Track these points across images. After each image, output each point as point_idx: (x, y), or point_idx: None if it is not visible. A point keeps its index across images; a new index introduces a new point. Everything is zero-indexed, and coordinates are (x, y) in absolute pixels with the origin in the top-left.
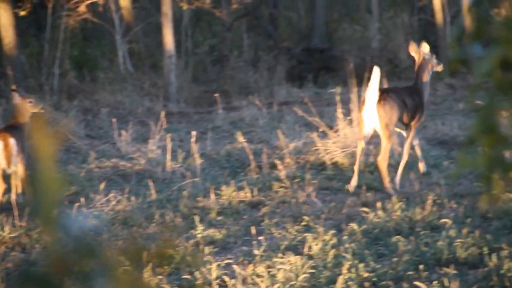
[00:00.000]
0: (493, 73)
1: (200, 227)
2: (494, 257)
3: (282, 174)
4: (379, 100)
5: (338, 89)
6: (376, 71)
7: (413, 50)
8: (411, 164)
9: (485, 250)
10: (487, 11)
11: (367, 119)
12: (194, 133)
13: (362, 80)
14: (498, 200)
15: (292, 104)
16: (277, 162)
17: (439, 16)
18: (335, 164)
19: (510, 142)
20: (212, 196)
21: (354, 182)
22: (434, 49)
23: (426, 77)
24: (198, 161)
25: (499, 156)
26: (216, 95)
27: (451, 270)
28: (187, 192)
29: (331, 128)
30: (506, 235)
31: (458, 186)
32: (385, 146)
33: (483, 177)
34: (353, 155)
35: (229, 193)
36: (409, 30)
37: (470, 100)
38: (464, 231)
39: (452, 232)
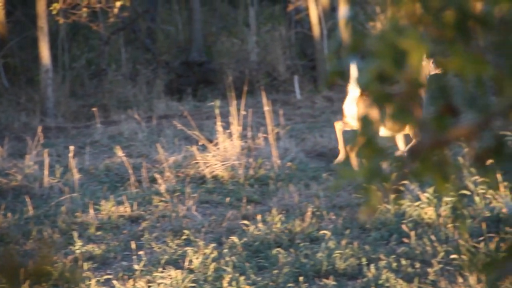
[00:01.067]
0: (371, 85)
1: (78, 243)
2: (372, 268)
3: (162, 188)
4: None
5: (217, 103)
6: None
7: None
8: (291, 177)
9: (364, 261)
10: (364, 24)
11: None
12: (72, 147)
13: (241, 93)
14: (375, 211)
15: (171, 117)
16: (157, 176)
17: (316, 29)
18: (215, 178)
19: (386, 154)
20: (91, 211)
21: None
22: (311, 62)
23: None
24: (77, 176)
25: (377, 168)
26: (94, 109)
27: (330, 281)
28: (66, 208)
29: (210, 141)
30: (384, 245)
31: (336, 197)
32: None
33: (361, 188)
34: (233, 168)
35: (108, 208)
36: (286, 43)
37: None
38: (343, 242)
39: (331, 244)
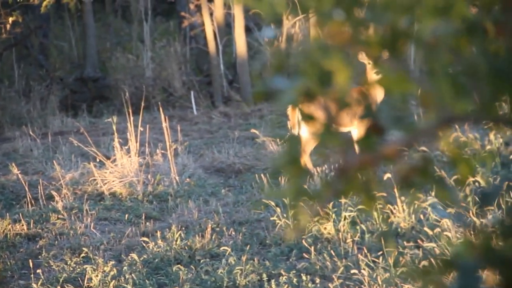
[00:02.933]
0: (297, 103)
1: None
2: (273, 284)
3: (59, 205)
4: None
5: (114, 119)
6: None
7: None
8: (190, 193)
9: (264, 276)
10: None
11: None
12: None
13: (137, 109)
14: (303, 230)
15: (67, 134)
16: (54, 193)
17: (211, 45)
18: (113, 194)
19: (311, 173)
20: None
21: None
22: (207, 78)
23: None
24: None
25: (303, 186)
26: None
27: None
28: None
29: (108, 158)
30: (285, 261)
31: (236, 213)
32: None
33: (290, 207)
34: (131, 184)
35: (5, 226)
36: (182, 59)
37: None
38: (244, 258)
39: (231, 260)
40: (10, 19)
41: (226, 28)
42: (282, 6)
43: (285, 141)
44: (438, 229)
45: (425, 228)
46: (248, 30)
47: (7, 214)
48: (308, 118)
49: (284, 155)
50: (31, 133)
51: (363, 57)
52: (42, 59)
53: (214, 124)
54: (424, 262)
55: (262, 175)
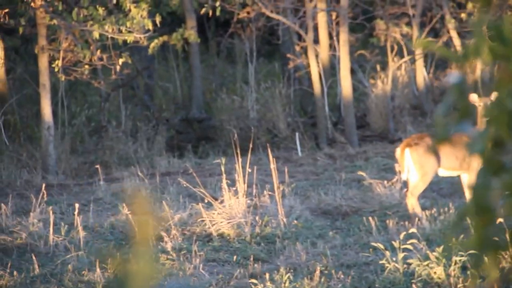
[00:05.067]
0: (485, 153)
1: None
2: None
3: (169, 246)
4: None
5: (223, 160)
6: None
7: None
8: (297, 235)
9: None
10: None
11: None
12: (77, 205)
13: (242, 150)
14: (495, 283)
15: (174, 174)
16: (163, 233)
17: (316, 86)
18: (221, 236)
19: (500, 224)
20: (98, 269)
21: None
22: (311, 119)
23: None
24: (82, 233)
25: (491, 238)
26: (97, 166)
27: None
28: (72, 266)
29: (215, 198)
30: None
31: (344, 256)
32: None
33: (474, 259)
34: (239, 225)
35: (115, 266)
36: (286, 100)
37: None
38: None
39: None
40: (120, 61)
41: (330, 70)
42: (476, 52)
43: (472, 188)
44: None
45: None
46: (352, 72)
47: (118, 253)
48: (499, 168)
49: (471, 204)
50: (139, 173)
51: (474, 99)
52: (147, 100)
53: (319, 166)
54: None
55: (370, 217)
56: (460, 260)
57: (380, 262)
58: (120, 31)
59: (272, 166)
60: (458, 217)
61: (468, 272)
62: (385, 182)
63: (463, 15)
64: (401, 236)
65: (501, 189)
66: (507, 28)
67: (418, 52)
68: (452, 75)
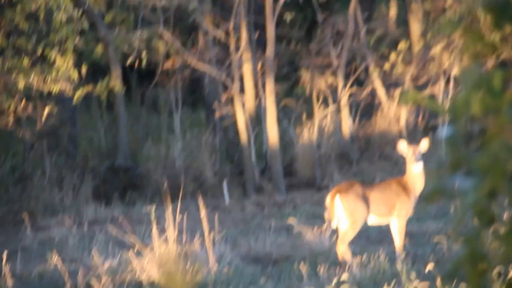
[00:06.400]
0: (477, 204)
1: None
2: None
3: None
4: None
5: (152, 208)
6: None
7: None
8: (228, 282)
9: None
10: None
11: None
12: (5, 253)
13: (169, 198)
14: None
15: (101, 222)
16: (93, 282)
17: (243, 135)
18: (152, 284)
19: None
20: None
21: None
22: (238, 167)
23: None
24: (10, 282)
25: (486, 286)
26: (23, 214)
27: None
28: None
29: (145, 246)
30: None
31: None
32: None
33: None
34: (169, 273)
35: None
36: (212, 148)
37: (456, 232)
38: None
39: None
40: (45, 111)
41: (256, 119)
42: (465, 105)
43: (466, 241)
44: None
45: None
46: (278, 121)
47: None
48: (491, 219)
49: (465, 255)
50: (66, 221)
51: (401, 148)
52: (72, 149)
53: (248, 213)
54: None
55: (301, 264)
56: None
57: None
58: (45, 81)
59: (202, 213)
60: (453, 267)
61: None
62: (315, 229)
63: (386, 66)
64: (333, 282)
65: (494, 239)
66: (496, 80)
67: (343, 101)
68: (444, 128)
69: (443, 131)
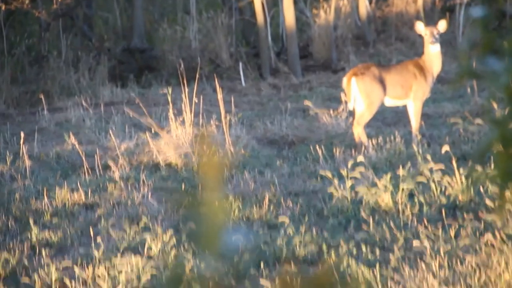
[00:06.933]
0: (509, 86)
1: (34, 230)
2: (333, 254)
3: (116, 175)
4: None
5: (168, 90)
6: None
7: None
8: (245, 164)
9: (324, 247)
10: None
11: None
12: (22, 134)
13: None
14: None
15: (117, 104)
16: (111, 163)
17: (260, 17)
18: (169, 165)
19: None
20: (45, 198)
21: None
22: (254, 49)
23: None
24: (27, 162)
25: None
26: (41, 96)
27: (291, 268)
28: (18, 195)
29: (161, 128)
30: (343, 232)
31: (292, 185)
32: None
33: (498, 193)
34: (186, 155)
35: (63, 195)
36: (228, 30)
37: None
38: (302, 229)
39: (290, 231)
40: None
41: (273, 0)
42: None
43: (496, 123)
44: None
45: (486, 201)
46: (295, 2)
47: (65, 182)
48: None
49: (495, 138)
50: (83, 103)
51: (419, 29)
52: (87, 30)
53: (264, 96)
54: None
55: (316, 146)
56: (407, 188)
57: (328, 190)
58: None
59: (219, 96)
60: (481, 150)
61: (415, 200)
62: (331, 111)
63: None
64: (348, 164)
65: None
66: None
67: None
68: (475, 8)
69: (473, 11)
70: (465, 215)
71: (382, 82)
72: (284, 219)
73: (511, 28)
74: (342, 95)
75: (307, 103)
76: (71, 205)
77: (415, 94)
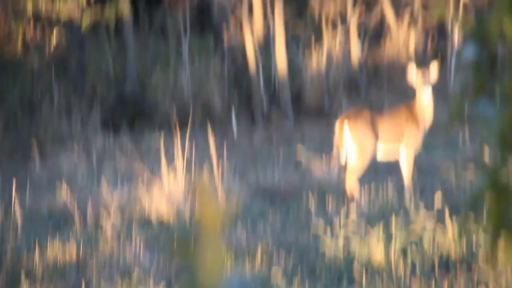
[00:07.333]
0: (501, 131)
1: (26, 286)
2: None
3: (108, 227)
4: None
5: (161, 137)
6: None
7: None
8: (237, 214)
9: None
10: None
11: None
12: (14, 184)
13: (177, 126)
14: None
15: (110, 151)
16: (102, 213)
17: (252, 63)
18: (161, 216)
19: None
20: (37, 253)
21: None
22: (247, 95)
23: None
24: (19, 213)
25: (508, 217)
26: (32, 144)
27: None
28: (10, 248)
29: (153, 176)
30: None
31: (284, 236)
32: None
33: (490, 237)
34: (178, 205)
35: (54, 251)
36: (220, 75)
37: (477, 161)
38: (295, 283)
39: (282, 285)
40: (54, 36)
41: (265, 46)
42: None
43: (487, 171)
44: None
45: (480, 253)
46: (287, 47)
47: (57, 235)
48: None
49: (487, 186)
50: (75, 151)
51: (411, 71)
52: (79, 78)
53: (256, 142)
54: None
55: (309, 194)
56: (399, 243)
57: (320, 248)
58: (53, 4)
59: (211, 143)
60: (473, 198)
61: (408, 253)
62: (323, 159)
63: None
64: (341, 217)
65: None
66: None
67: (352, 25)
68: (468, 51)
69: (466, 54)
70: (458, 268)
71: (374, 126)
72: (276, 272)
73: (503, 71)
74: (335, 141)
75: (299, 149)
76: (62, 261)
77: (408, 140)
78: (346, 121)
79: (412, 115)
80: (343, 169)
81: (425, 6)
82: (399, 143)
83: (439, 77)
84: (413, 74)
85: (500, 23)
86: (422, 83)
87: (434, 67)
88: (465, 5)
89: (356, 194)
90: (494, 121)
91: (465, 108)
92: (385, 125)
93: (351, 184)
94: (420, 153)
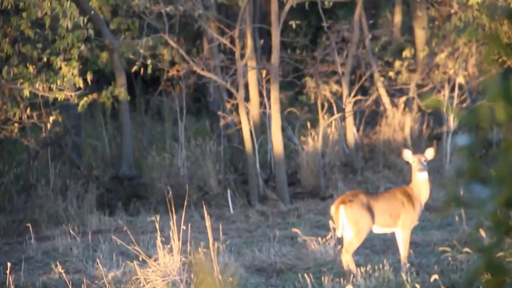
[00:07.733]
0: (495, 214)
1: None
2: None
3: None
4: None
5: (156, 217)
6: None
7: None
8: None
9: None
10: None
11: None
12: (9, 264)
13: (173, 207)
14: None
15: (105, 232)
16: None
17: (248, 144)
18: None
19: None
20: None
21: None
22: (242, 176)
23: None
24: None
25: None
26: (27, 224)
27: None
28: None
29: (149, 256)
30: None
31: None
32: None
33: None
34: (174, 283)
35: None
36: (216, 157)
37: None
38: None
39: None
40: (51, 119)
41: (261, 127)
42: (487, 113)
43: (482, 252)
44: None
45: None
46: (282, 130)
47: None
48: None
49: (482, 266)
50: (70, 231)
51: (406, 157)
52: (76, 158)
53: (252, 223)
54: None
55: (305, 274)
56: None
57: None
58: (50, 89)
59: (208, 224)
60: (469, 278)
61: None
62: (319, 238)
63: (391, 74)
64: None
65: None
66: None
67: (348, 109)
68: (461, 137)
69: (460, 139)
70: None
71: (370, 210)
72: None
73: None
74: (331, 222)
75: (295, 230)
76: None
77: (404, 222)
78: (342, 206)
79: (408, 199)
80: (338, 246)
81: (419, 95)
82: (395, 226)
83: (435, 160)
84: (409, 159)
85: (492, 110)
86: (418, 169)
87: (429, 153)
88: (459, 93)
89: (354, 270)
90: (488, 204)
91: (460, 191)
92: (381, 210)
93: (347, 260)
94: (416, 232)
